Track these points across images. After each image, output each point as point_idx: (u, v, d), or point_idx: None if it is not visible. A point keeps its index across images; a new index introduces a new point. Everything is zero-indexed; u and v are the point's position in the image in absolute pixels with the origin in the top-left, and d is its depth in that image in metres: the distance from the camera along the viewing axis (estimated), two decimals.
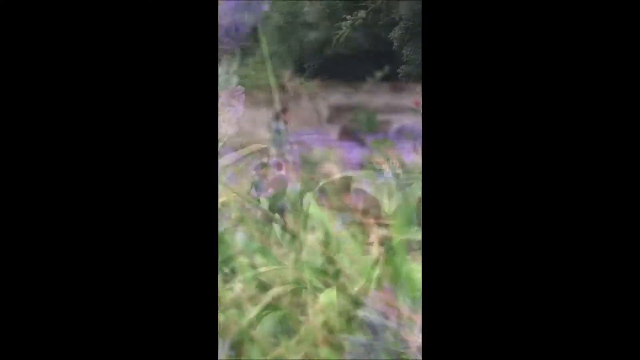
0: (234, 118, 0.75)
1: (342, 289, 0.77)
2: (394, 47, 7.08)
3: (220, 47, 0.28)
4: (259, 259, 1.24)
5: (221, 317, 0.69)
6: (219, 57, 0.29)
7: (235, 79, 0.72)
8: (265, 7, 0.26)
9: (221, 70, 0.70)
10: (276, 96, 0.94)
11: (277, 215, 1.30)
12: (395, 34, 6.90)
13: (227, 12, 0.26)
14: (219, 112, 0.69)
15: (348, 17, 3.93)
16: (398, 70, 7.39)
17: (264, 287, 1.05)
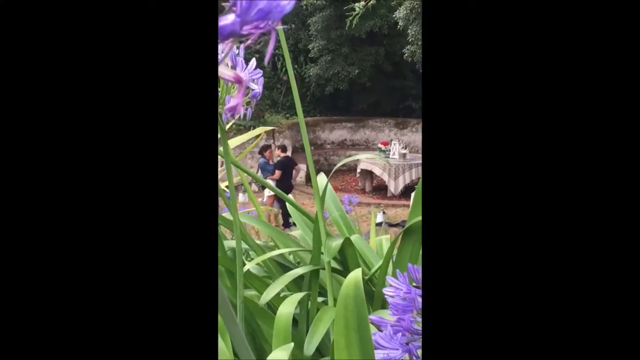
0: (253, 100, 0.75)
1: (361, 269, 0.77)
2: (398, 27, 6.99)
3: (253, 30, 0.28)
4: (272, 241, 1.25)
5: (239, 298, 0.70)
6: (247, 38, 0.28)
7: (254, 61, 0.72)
8: None
9: (245, 51, 0.70)
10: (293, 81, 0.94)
11: (287, 195, 1.30)
12: (400, 13, 6.80)
13: None
14: (236, 93, 0.69)
15: None
16: (404, 50, 7.29)
17: (282, 268, 1.06)
